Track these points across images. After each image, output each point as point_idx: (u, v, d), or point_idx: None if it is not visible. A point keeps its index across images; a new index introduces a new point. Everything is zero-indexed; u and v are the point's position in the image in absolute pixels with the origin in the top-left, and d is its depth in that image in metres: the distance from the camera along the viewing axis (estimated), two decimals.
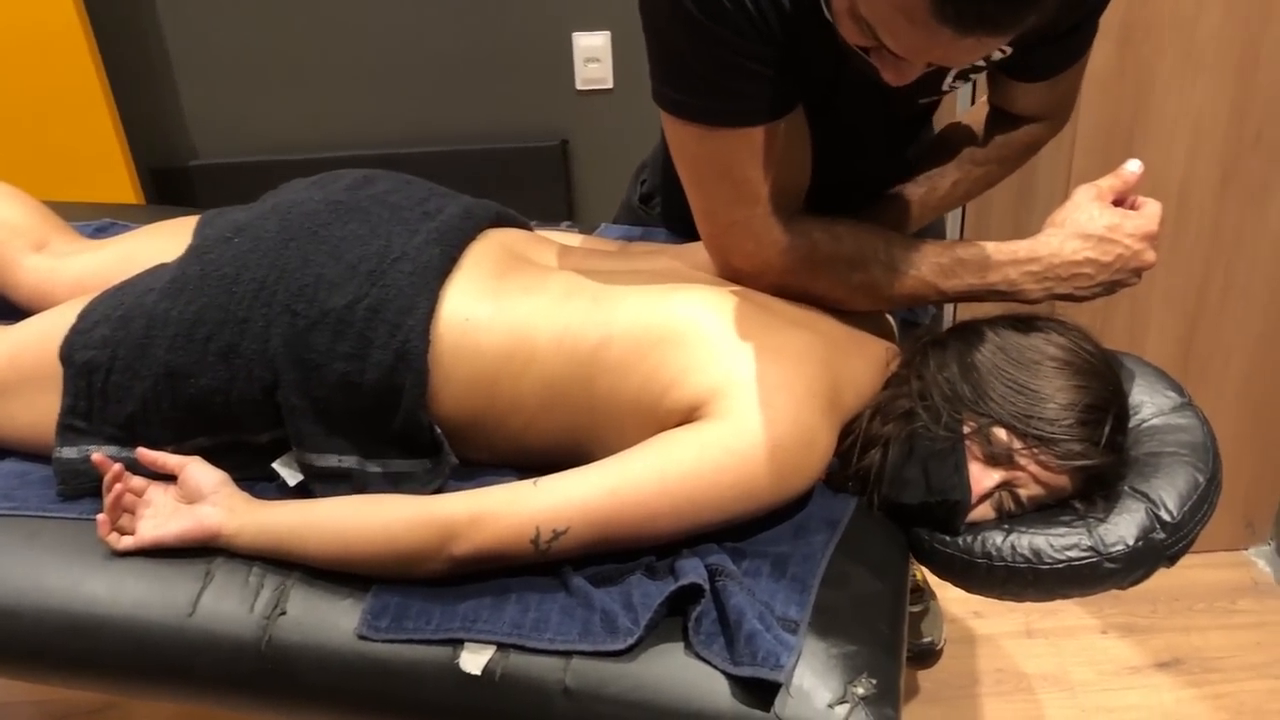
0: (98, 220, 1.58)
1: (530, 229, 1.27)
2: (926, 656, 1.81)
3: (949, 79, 1.09)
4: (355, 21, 2.40)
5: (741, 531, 0.99)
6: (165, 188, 2.53)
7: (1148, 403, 1.13)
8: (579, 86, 2.47)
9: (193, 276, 1.07)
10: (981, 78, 1.16)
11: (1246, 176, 1.68)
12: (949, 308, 1.70)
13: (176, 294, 1.07)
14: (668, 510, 0.94)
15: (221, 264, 1.07)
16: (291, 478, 1.08)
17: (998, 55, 1.05)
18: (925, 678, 1.81)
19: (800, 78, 0.99)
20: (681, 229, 1.38)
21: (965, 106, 1.57)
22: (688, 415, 0.97)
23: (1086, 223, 1.05)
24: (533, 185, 2.56)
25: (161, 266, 1.14)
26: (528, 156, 2.54)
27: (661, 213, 1.43)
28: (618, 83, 2.46)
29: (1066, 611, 1.93)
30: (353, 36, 2.41)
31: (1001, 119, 1.20)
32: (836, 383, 1.01)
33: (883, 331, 1.15)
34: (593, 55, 2.43)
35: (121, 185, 2.34)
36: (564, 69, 2.45)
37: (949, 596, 1.89)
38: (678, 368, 0.98)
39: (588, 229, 1.50)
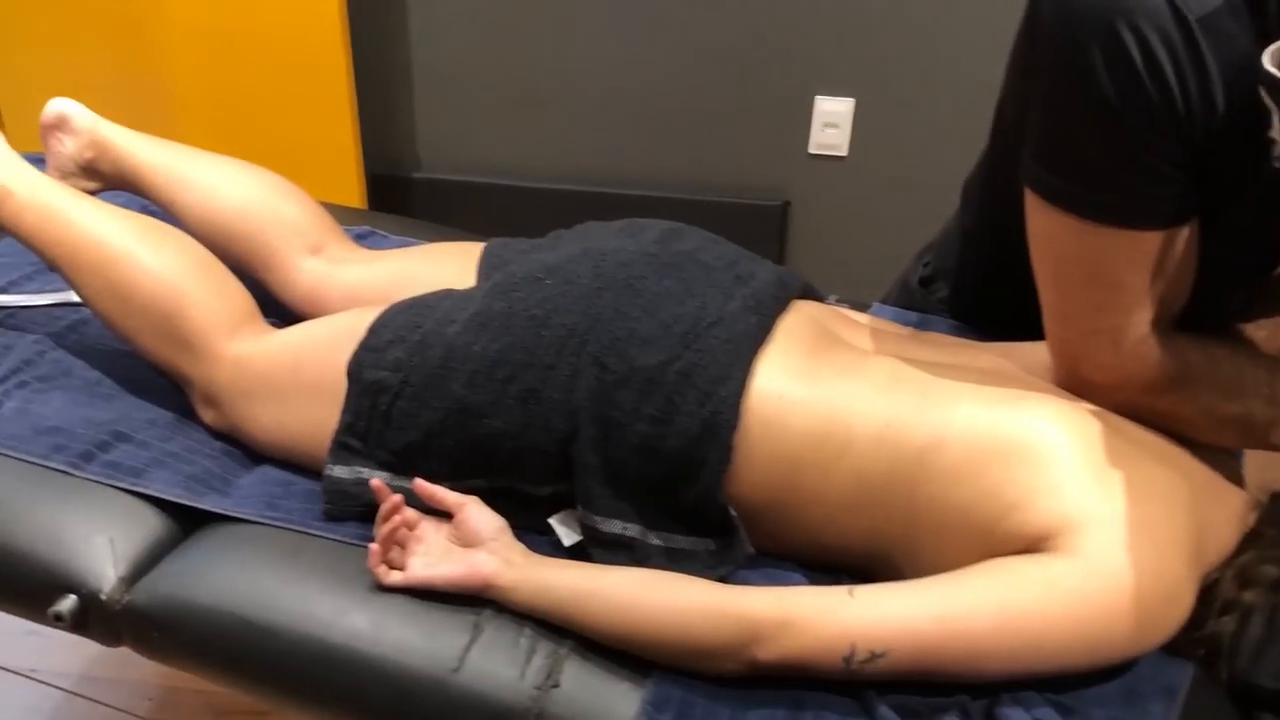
0: (358, 227, 1.56)
1: (827, 302, 1.20)
2: None
3: None
4: (595, 57, 2.39)
5: (1065, 683, 0.89)
6: (383, 195, 2.55)
7: None
8: (811, 150, 2.42)
9: (499, 313, 1.03)
10: None
11: None
12: None
13: (480, 329, 1.02)
14: (1001, 651, 0.84)
15: (530, 304, 1.02)
16: (568, 538, 1.02)
17: None
18: None
19: (1202, 188, 0.90)
20: (972, 323, 1.29)
21: None
22: (1031, 544, 0.88)
23: None
24: (745, 244, 2.51)
25: (457, 293, 1.10)
26: (745, 214, 2.49)
27: (949, 303, 1.34)
28: (853, 151, 2.40)
29: None
30: (590, 72, 2.40)
31: None
32: (1201, 532, 0.91)
33: (1236, 477, 1.03)
34: (832, 120, 2.37)
35: (350, 188, 2.36)
36: (799, 130, 2.40)
37: None
38: (1025, 488, 0.89)
39: (859, 306, 1.42)
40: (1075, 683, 0.89)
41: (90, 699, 1.73)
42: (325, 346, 1.10)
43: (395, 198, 2.54)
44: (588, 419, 0.98)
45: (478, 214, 2.51)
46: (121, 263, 1.16)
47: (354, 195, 2.37)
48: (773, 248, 2.49)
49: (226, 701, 1.75)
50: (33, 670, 1.76)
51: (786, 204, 2.47)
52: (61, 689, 1.73)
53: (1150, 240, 0.90)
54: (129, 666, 1.77)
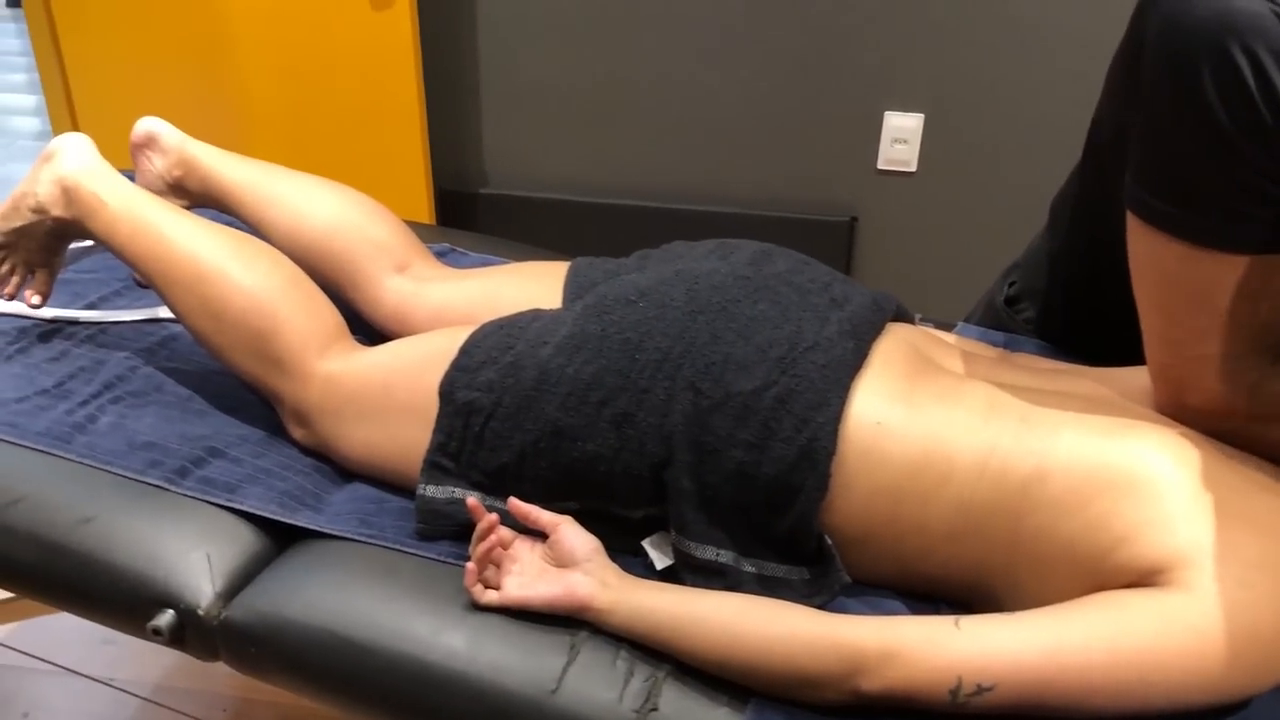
0: (436, 244, 1.57)
1: (915, 323, 1.19)
2: None
3: None
4: (662, 73, 2.39)
5: None
6: (449, 210, 2.57)
7: None
8: (880, 165, 2.40)
9: (592, 335, 1.03)
10: None
11: None
12: None
13: (573, 351, 1.02)
14: (1112, 686, 0.83)
15: (624, 327, 1.02)
16: (660, 561, 1.01)
17: None
18: None
19: None
20: (1061, 344, 1.28)
21: None
22: (1141, 578, 0.86)
23: None
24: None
25: (547, 314, 1.10)
26: (812, 229, 2.48)
27: (1036, 324, 1.33)
28: (921, 167, 2.38)
29: None
30: (657, 88, 2.41)
31: None
32: None
33: None
34: (901, 136, 2.36)
35: (419, 203, 2.38)
36: (868, 146, 2.39)
37: None
38: (1135, 520, 0.87)
39: (943, 325, 1.41)
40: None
41: (166, 707, 1.75)
42: (416, 367, 1.11)
43: (462, 213, 2.56)
44: (682, 444, 0.97)
45: (544, 230, 2.53)
46: (215, 279, 1.18)
47: (423, 211, 2.39)
48: (840, 264, 2.47)
49: (302, 713, 1.77)
50: (110, 678, 1.78)
51: (854, 220, 2.46)
52: (139, 697, 1.75)
53: (1259, 265, 0.88)
54: (204, 677, 1.79)
